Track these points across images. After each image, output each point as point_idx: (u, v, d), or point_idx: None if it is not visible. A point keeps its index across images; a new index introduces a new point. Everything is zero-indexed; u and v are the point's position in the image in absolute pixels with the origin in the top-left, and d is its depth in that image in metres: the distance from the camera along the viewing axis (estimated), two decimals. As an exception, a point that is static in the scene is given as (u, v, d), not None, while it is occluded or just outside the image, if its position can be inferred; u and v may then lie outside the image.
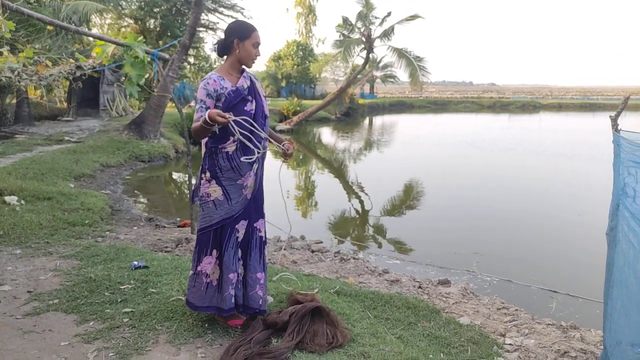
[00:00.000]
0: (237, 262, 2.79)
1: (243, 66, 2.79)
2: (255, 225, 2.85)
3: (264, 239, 2.91)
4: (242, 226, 2.79)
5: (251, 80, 2.81)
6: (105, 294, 3.38)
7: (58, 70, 4.74)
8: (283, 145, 2.84)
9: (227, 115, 2.52)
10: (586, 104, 48.69)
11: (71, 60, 4.86)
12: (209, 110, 2.51)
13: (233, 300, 2.78)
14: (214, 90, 2.64)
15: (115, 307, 3.16)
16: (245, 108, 2.72)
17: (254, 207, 2.84)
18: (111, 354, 2.62)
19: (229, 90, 2.68)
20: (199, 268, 2.78)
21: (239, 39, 2.68)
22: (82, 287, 3.49)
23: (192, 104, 21.18)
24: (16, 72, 4.95)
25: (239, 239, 2.79)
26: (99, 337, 2.78)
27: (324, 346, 2.67)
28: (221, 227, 2.74)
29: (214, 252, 2.76)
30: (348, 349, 2.71)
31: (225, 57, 2.77)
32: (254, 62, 2.79)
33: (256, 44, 2.73)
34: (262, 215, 2.92)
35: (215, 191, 2.70)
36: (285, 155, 2.85)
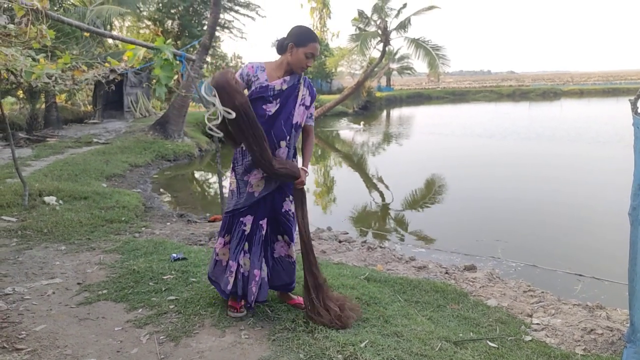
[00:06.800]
0: (241, 253, 2.91)
1: (294, 71, 2.84)
2: (260, 222, 2.92)
3: (266, 237, 2.99)
4: (248, 220, 2.89)
5: (294, 86, 2.84)
6: (150, 284, 3.60)
7: (92, 74, 4.99)
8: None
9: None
10: (609, 89, 47.68)
11: (106, 64, 5.11)
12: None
13: (229, 287, 2.92)
14: (247, 74, 2.80)
15: (161, 296, 3.38)
16: (263, 106, 2.77)
17: (263, 207, 2.91)
18: (162, 337, 2.82)
19: (260, 84, 2.79)
20: (215, 245, 3.08)
21: (295, 44, 2.76)
22: (127, 279, 3.71)
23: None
24: (53, 78, 5.22)
25: (246, 233, 2.90)
26: (149, 323, 2.99)
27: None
28: (232, 215, 2.95)
29: (226, 236, 3.00)
30: (382, 329, 2.87)
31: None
32: (303, 70, 2.84)
33: (310, 54, 2.79)
34: (269, 216, 2.96)
35: (232, 182, 2.97)
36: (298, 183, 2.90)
